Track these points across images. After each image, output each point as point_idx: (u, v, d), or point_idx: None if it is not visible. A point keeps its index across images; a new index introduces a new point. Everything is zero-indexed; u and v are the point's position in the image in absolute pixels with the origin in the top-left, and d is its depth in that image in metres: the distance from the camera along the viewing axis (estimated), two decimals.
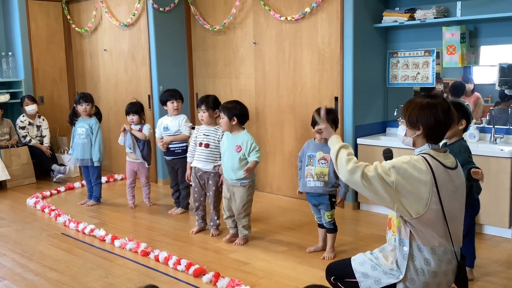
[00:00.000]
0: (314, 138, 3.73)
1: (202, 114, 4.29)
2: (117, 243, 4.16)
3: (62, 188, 6.11)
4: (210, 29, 5.92)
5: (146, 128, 5.07)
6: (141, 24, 6.16)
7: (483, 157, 4.05)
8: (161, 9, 6.00)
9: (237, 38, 5.73)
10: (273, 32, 5.35)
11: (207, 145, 4.26)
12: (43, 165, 6.57)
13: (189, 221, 4.81)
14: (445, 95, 4.72)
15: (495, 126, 4.40)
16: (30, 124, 6.65)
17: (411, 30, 4.89)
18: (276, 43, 5.34)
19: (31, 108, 6.54)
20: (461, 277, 2.29)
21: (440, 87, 4.78)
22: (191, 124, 4.96)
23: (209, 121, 4.31)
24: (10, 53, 6.94)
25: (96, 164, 5.27)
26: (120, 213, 5.12)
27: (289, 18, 5.13)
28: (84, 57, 7.19)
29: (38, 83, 7.11)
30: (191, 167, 4.40)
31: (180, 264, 3.64)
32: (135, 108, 5.07)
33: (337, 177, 3.63)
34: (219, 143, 4.21)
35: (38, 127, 6.73)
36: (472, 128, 4.45)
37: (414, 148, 2.33)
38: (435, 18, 4.53)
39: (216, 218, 4.35)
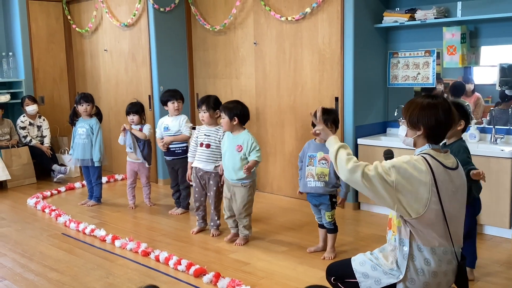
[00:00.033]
0: (315, 139, 3.73)
1: (203, 114, 4.30)
2: (117, 243, 4.16)
3: (62, 188, 6.11)
4: (211, 29, 5.93)
5: (147, 128, 5.07)
6: (141, 24, 6.17)
7: (484, 157, 4.05)
8: (161, 9, 6.00)
9: (237, 38, 5.73)
10: (273, 33, 5.35)
11: (208, 146, 4.27)
12: (44, 165, 6.58)
13: (189, 221, 4.81)
14: (445, 95, 4.72)
15: (496, 127, 4.40)
16: (30, 124, 6.65)
17: (411, 31, 4.89)
18: (277, 44, 5.34)
19: (31, 108, 6.55)
20: (461, 277, 2.29)
21: (440, 87, 4.78)
22: (191, 125, 4.97)
23: (210, 122, 4.31)
24: (10, 53, 6.95)
25: (96, 164, 5.27)
26: (121, 213, 5.12)
27: (289, 18, 5.14)
28: (84, 57, 7.20)
29: (38, 83, 7.11)
30: (192, 167, 4.41)
31: (180, 264, 3.64)
32: (136, 108, 5.07)
33: (337, 177, 3.63)
34: (220, 143, 4.21)
35: (39, 127, 6.74)
36: (473, 129, 4.45)
37: (415, 148, 2.33)
38: (435, 18, 4.53)
39: (216, 218, 4.35)
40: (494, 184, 4.02)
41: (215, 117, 4.30)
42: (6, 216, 5.14)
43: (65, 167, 6.53)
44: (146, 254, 3.93)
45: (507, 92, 4.43)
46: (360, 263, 2.40)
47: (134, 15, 6.18)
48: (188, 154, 4.49)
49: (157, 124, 5.09)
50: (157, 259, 3.82)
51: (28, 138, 6.56)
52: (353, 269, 2.39)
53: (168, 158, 4.98)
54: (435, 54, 4.71)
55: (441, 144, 2.37)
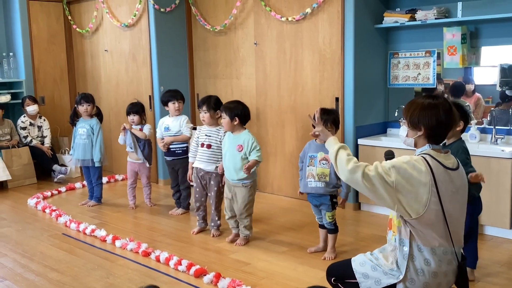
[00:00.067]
0: (316, 139, 3.73)
1: (204, 114, 4.30)
2: (118, 243, 4.16)
3: (63, 189, 6.11)
4: (211, 29, 5.93)
5: (147, 128, 5.07)
6: (142, 25, 6.17)
7: (484, 157, 4.05)
8: (162, 9, 6.00)
9: (238, 38, 5.73)
10: (274, 33, 5.35)
11: (209, 146, 4.27)
12: (44, 166, 6.58)
13: (190, 221, 4.81)
14: (445, 95, 4.72)
15: (496, 127, 4.40)
16: (31, 124, 6.65)
17: (412, 31, 4.89)
18: (277, 44, 5.34)
19: (32, 108, 6.55)
20: (461, 278, 2.29)
21: (441, 87, 4.78)
22: (192, 125, 4.97)
23: (211, 122, 4.31)
24: (11, 54, 6.95)
25: (97, 164, 5.28)
26: (121, 214, 5.12)
27: (290, 18, 5.14)
28: (85, 58, 7.20)
29: (39, 84, 7.12)
30: (192, 167, 4.41)
31: (181, 264, 3.64)
32: (136, 109, 5.07)
33: (338, 177, 3.63)
34: (221, 144, 4.21)
35: (39, 127, 6.74)
36: (473, 129, 4.45)
37: (415, 148, 2.33)
38: (436, 18, 4.53)
39: (217, 218, 4.35)
40: (494, 185, 4.02)
41: (215, 117, 4.30)
42: (6, 216, 5.15)
43: (66, 168, 6.53)
44: (146, 254, 3.93)
45: (507, 92, 4.43)
46: (360, 263, 2.40)
47: (134, 16, 6.18)
48: (189, 155, 4.49)
49: (158, 124, 5.09)
50: (157, 259, 3.82)
51: (29, 139, 6.56)
52: (353, 270, 2.39)
53: (168, 158, 4.98)
54: (436, 55, 4.71)
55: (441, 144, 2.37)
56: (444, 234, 2.22)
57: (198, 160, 4.32)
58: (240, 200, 4.02)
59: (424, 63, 4.81)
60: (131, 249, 4.05)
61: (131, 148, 5.06)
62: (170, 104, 4.88)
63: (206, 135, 4.31)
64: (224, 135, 4.18)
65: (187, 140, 4.91)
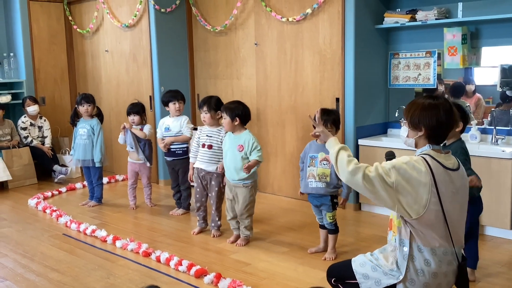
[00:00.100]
0: (316, 139, 3.73)
1: (204, 115, 4.30)
2: (118, 243, 4.16)
3: (63, 189, 6.11)
4: (212, 30, 5.93)
5: (147, 128, 5.07)
6: (142, 25, 6.17)
7: (485, 158, 4.05)
8: (162, 10, 6.00)
9: (238, 39, 5.74)
10: (274, 33, 5.36)
11: (210, 146, 4.27)
12: (45, 166, 6.58)
13: (190, 222, 4.81)
14: (446, 96, 4.72)
15: (497, 127, 4.41)
16: (31, 124, 6.66)
17: (412, 31, 4.89)
18: (278, 44, 5.34)
19: (32, 109, 6.55)
20: (461, 278, 2.29)
21: (441, 88, 4.78)
22: (192, 126, 4.97)
23: (211, 122, 4.31)
24: (11, 54, 6.96)
25: (97, 164, 5.28)
26: (122, 214, 5.12)
27: (290, 19, 5.14)
28: (85, 58, 7.20)
29: (39, 84, 7.12)
30: (193, 168, 4.41)
31: (181, 265, 3.64)
32: (136, 109, 5.08)
33: (339, 178, 3.62)
34: (222, 144, 4.21)
35: (40, 127, 6.74)
36: (474, 129, 4.45)
37: (416, 149, 2.33)
38: (436, 19, 4.53)
39: (217, 219, 4.35)
40: (495, 185, 4.02)
41: (216, 118, 4.30)
42: (7, 216, 5.15)
43: (66, 168, 6.53)
44: (147, 254, 3.93)
45: (508, 93, 4.43)
46: (360, 264, 2.40)
47: (135, 16, 6.18)
48: (190, 155, 4.49)
49: (158, 124, 5.09)
50: (158, 259, 3.83)
51: (29, 139, 6.57)
52: (354, 270, 2.39)
53: (168, 158, 4.98)
54: (436, 55, 4.71)
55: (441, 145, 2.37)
56: (444, 234, 2.22)
57: (199, 161, 4.32)
58: (241, 200, 4.02)
59: (424, 63, 4.81)
60: (132, 250, 4.05)
61: (132, 148, 5.07)
62: (170, 104, 4.88)
63: (207, 135, 4.31)
64: (225, 136, 4.18)
65: (187, 141, 4.91)
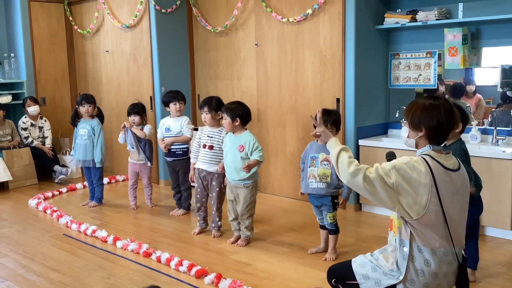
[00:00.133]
0: (317, 140, 3.73)
1: (205, 116, 4.30)
2: (119, 244, 4.16)
3: (64, 189, 6.11)
4: (212, 30, 5.93)
5: (147, 128, 5.07)
6: (143, 26, 6.17)
7: (485, 158, 4.05)
8: (163, 10, 6.01)
9: (239, 39, 5.74)
10: (275, 34, 5.36)
11: (211, 147, 4.27)
12: (45, 166, 6.59)
13: (190, 222, 4.81)
14: (446, 96, 4.72)
15: (497, 128, 4.41)
16: (32, 125, 6.66)
17: (413, 32, 4.89)
18: (278, 45, 5.34)
19: (33, 109, 6.56)
20: (462, 279, 2.29)
21: (441, 88, 4.78)
22: (193, 126, 4.97)
23: (212, 123, 4.31)
24: (12, 55, 6.96)
25: (98, 165, 5.28)
26: (122, 214, 5.12)
27: (291, 19, 5.14)
28: (86, 59, 7.21)
29: (40, 85, 7.12)
30: (194, 168, 4.41)
31: (182, 265, 3.64)
32: (137, 109, 5.08)
33: (339, 178, 3.62)
34: (222, 145, 4.21)
35: (40, 128, 6.75)
36: (474, 130, 4.45)
37: (417, 149, 2.34)
38: (437, 19, 4.53)
39: (218, 219, 4.35)
40: (495, 185, 4.02)
41: (217, 118, 4.30)
42: (7, 217, 5.15)
43: (67, 169, 6.53)
44: (147, 255, 3.93)
45: (508, 93, 4.43)
46: (360, 264, 2.40)
47: (135, 16, 6.19)
48: (191, 155, 4.49)
49: (159, 124, 5.09)
50: (158, 260, 3.83)
51: (30, 139, 6.57)
52: (354, 271, 2.39)
53: (169, 159, 4.98)
54: (437, 56, 4.71)
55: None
56: (444, 234, 2.22)
57: (200, 161, 4.32)
58: (242, 200, 4.02)
59: (425, 64, 4.81)
60: (132, 250, 4.05)
61: (133, 147, 5.07)
62: (171, 105, 4.88)
63: (208, 136, 4.31)
64: (226, 136, 4.18)
65: (188, 141, 4.92)
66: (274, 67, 5.42)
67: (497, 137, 4.38)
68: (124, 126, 5.01)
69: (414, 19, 4.69)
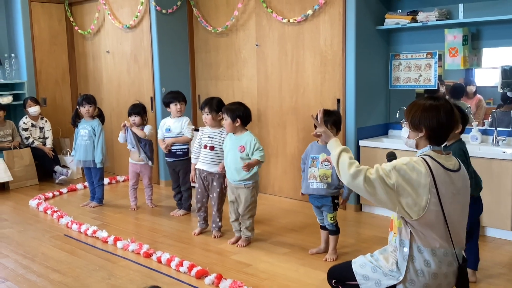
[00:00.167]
0: (318, 140, 3.74)
1: (206, 116, 4.30)
2: (119, 244, 4.17)
3: (64, 190, 6.12)
4: (213, 31, 5.94)
5: (148, 129, 5.07)
6: (143, 26, 6.18)
7: (485, 159, 4.05)
8: (163, 11, 6.01)
9: (239, 40, 5.74)
10: (275, 34, 5.36)
11: (212, 148, 4.27)
12: (46, 167, 6.59)
13: (191, 222, 4.81)
14: (447, 97, 4.72)
15: (497, 129, 4.41)
16: (32, 125, 6.66)
17: (413, 32, 4.89)
18: (279, 45, 5.35)
19: (33, 109, 6.56)
20: (462, 280, 2.29)
21: (442, 89, 4.78)
22: (193, 127, 4.97)
23: (213, 124, 4.31)
24: (13, 55, 6.97)
25: (98, 165, 5.28)
26: (123, 215, 5.12)
27: (291, 20, 5.14)
28: (86, 59, 7.21)
29: (41, 85, 7.13)
30: (195, 169, 4.41)
31: (182, 265, 3.65)
32: (137, 110, 5.08)
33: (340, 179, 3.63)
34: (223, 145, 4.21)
35: (41, 128, 6.75)
36: (474, 130, 4.46)
37: (417, 150, 2.34)
38: (437, 20, 4.53)
39: (218, 220, 4.35)
40: (495, 186, 4.02)
41: (218, 119, 4.30)
42: (8, 217, 5.15)
43: (67, 170, 6.53)
44: (148, 255, 3.93)
45: (509, 94, 4.43)
46: (360, 265, 2.40)
47: (136, 17, 6.19)
48: (192, 156, 4.49)
49: (159, 125, 5.10)
50: (159, 260, 3.83)
51: (30, 140, 6.58)
52: (354, 272, 2.39)
53: (169, 159, 4.98)
54: (437, 56, 4.71)
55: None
56: (444, 235, 2.22)
57: (201, 162, 4.32)
58: (242, 201, 4.02)
59: (425, 64, 4.81)
60: (133, 250, 4.05)
61: (133, 147, 5.07)
62: (172, 105, 4.88)
63: (209, 136, 4.31)
64: (226, 137, 4.19)
65: (188, 142, 4.92)
66: (274, 67, 5.42)
67: (497, 137, 4.39)
68: (125, 125, 5.01)
69: (414, 20, 4.69)
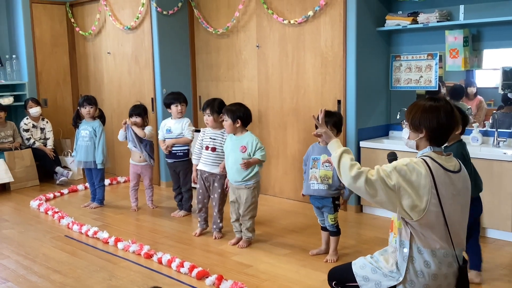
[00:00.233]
0: (319, 141, 3.74)
1: (207, 117, 4.30)
2: (120, 245, 4.17)
3: (65, 191, 6.12)
4: (214, 32, 5.94)
5: (148, 129, 5.07)
6: (144, 27, 6.19)
7: (486, 160, 4.05)
8: (164, 12, 6.02)
9: (240, 41, 5.75)
10: (276, 36, 5.37)
11: (213, 149, 4.27)
12: (47, 168, 6.60)
13: (191, 223, 4.82)
14: (447, 98, 4.72)
15: (498, 130, 4.41)
16: (34, 126, 6.67)
17: (414, 34, 4.90)
18: (279, 47, 5.35)
19: (35, 110, 6.57)
20: (462, 281, 2.29)
21: (443, 90, 4.78)
22: (194, 128, 4.97)
23: (214, 125, 4.32)
24: (14, 56, 6.98)
25: (99, 166, 5.29)
26: (123, 216, 5.13)
27: (292, 21, 5.15)
28: (87, 60, 7.22)
29: (41, 86, 7.14)
30: (197, 170, 4.41)
31: (183, 266, 3.65)
32: (138, 111, 5.08)
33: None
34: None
35: (42, 129, 6.76)
36: (475, 132, 4.46)
37: (417, 151, 2.34)
38: (438, 21, 4.53)
39: (219, 221, 4.36)
40: (496, 187, 4.02)
41: (219, 120, 4.29)
42: (9, 218, 5.16)
43: (68, 172, 6.54)
44: (148, 256, 3.94)
45: (509, 95, 4.43)
46: (360, 266, 2.41)
47: (137, 18, 6.20)
48: (193, 157, 4.49)
49: (160, 126, 5.10)
50: (159, 261, 3.83)
51: (31, 141, 6.58)
52: (354, 273, 2.39)
53: (169, 160, 4.98)
54: (438, 57, 4.72)
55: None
56: (444, 236, 2.22)
57: (202, 163, 4.33)
58: (243, 201, 4.02)
59: (426, 66, 4.81)
60: (134, 251, 4.05)
61: (135, 146, 5.07)
62: (173, 106, 4.89)
63: (210, 138, 4.32)
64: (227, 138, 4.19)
65: (188, 143, 4.92)
66: (275, 68, 5.43)
67: (498, 139, 4.39)
68: (125, 123, 5.01)
69: (415, 21, 4.69)
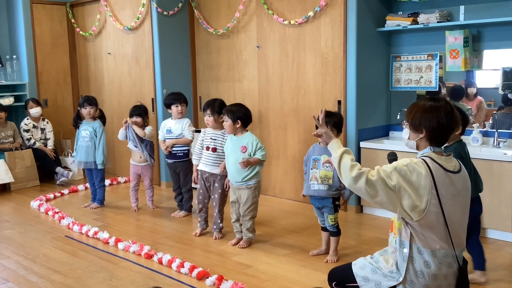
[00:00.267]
0: (319, 142, 3.74)
1: (208, 118, 4.31)
2: (120, 245, 4.17)
3: (65, 191, 6.12)
4: (214, 32, 5.95)
5: (148, 129, 5.08)
6: (145, 28, 6.19)
7: (486, 161, 4.05)
8: (165, 13, 6.02)
9: (240, 41, 5.75)
10: (276, 36, 5.37)
11: (214, 149, 4.28)
12: (47, 168, 6.60)
13: (192, 223, 4.82)
14: (448, 98, 4.72)
15: (498, 130, 4.41)
16: (34, 127, 6.67)
17: (414, 34, 4.90)
18: (280, 47, 5.36)
19: (35, 111, 6.57)
20: (462, 281, 2.29)
21: (443, 91, 4.79)
22: (194, 128, 4.97)
23: (215, 126, 4.32)
24: (14, 57, 6.98)
25: (99, 167, 5.29)
26: (124, 216, 5.13)
27: (292, 22, 5.15)
28: (88, 61, 7.23)
29: (42, 86, 7.14)
30: (197, 170, 4.41)
31: (183, 266, 3.65)
32: (139, 111, 5.09)
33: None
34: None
35: (42, 130, 6.76)
36: (475, 132, 4.46)
37: (417, 151, 2.34)
38: (438, 22, 4.53)
39: (219, 221, 4.36)
40: (496, 188, 4.02)
41: (220, 121, 4.30)
42: (9, 218, 5.16)
43: (68, 172, 6.54)
44: (149, 256, 3.94)
45: (510, 96, 4.43)
46: (360, 267, 2.41)
47: (137, 19, 6.20)
48: (194, 157, 4.49)
49: (160, 126, 5.10)
50: (160, 261, 3.83)
51: (32, 141, 6.59)
52: (354, 273, 2.40)
53: (169, 161, 4.99)
54: (438, 58, 4.72)
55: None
56: (444, 236, 2.22)
57: (203, 163, 4.33)
58: (244, 201, 4.02)
59: (426, 66, 4.81)
60: (134, 251, 4.06)
61: (135, 146, 5.07)
62: (173, 107, 4.89)
63: (211, 138, 4.32)
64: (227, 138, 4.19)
65: (188, 143, 4.92)
66: (275, 69, 5.43)
67: (498, 139, 4.39)
68: (126, 122, 5.02)
69: (415, 22, 4.69)
